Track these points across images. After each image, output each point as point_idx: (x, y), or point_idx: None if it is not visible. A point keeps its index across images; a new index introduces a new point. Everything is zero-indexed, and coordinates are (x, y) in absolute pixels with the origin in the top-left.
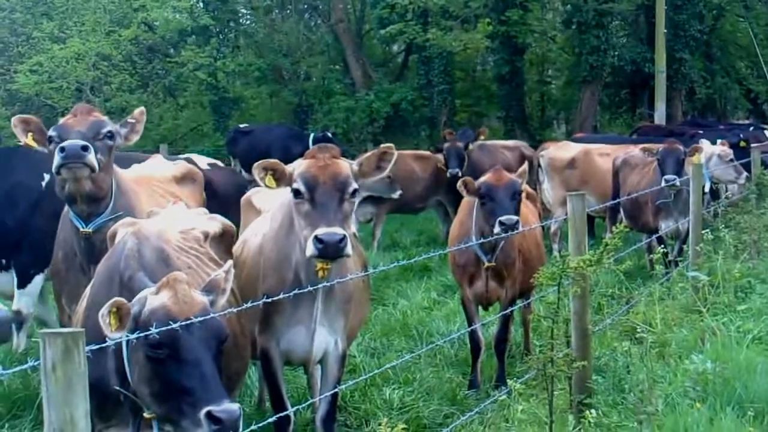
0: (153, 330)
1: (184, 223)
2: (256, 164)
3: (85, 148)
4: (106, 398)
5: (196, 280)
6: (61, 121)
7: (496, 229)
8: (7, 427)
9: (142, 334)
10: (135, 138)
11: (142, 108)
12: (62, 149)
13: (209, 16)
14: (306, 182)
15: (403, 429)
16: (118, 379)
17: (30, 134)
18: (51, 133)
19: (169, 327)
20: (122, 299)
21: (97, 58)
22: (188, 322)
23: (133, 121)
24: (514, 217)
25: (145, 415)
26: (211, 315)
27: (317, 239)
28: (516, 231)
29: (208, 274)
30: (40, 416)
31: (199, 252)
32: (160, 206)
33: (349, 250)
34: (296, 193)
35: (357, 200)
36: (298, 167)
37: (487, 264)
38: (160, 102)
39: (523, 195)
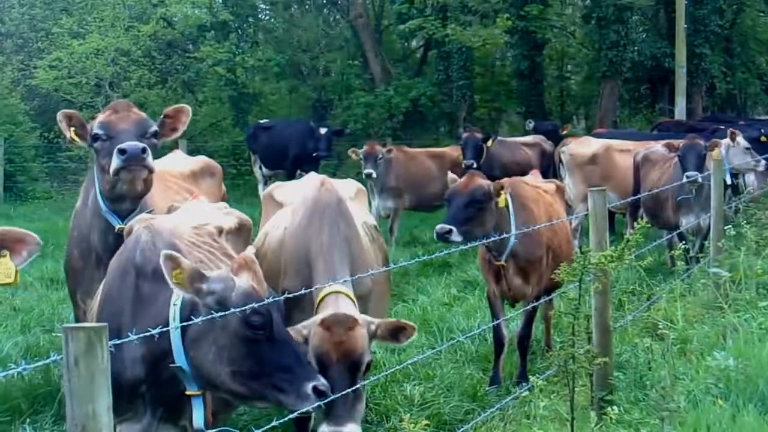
0: (249, 316)
1: (198, 219)
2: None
3: (144, 150)
4: (120, 392)
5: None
6: (102, 117)
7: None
8: (28, 423)
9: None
10: (172, 135)
11: (184, 106)
12: (122, 151)
13: (228, 12)
14: (318, 359)
15: (425, 425)
16: (145, 366)
17: (72, 129)
18: (97, 131)
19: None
20: (178, 255)
21: (116, 54)
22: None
23: (165, 118)
24: (447, 227)
25: (188, 392)
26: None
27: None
28: (456, 241)
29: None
30: (62, 411)
31: (212, 247)
32: (174, 202)
33: None
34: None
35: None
36: (312, 336)
37: (496, 262)
38: (178, 97)
39: (553, 189)
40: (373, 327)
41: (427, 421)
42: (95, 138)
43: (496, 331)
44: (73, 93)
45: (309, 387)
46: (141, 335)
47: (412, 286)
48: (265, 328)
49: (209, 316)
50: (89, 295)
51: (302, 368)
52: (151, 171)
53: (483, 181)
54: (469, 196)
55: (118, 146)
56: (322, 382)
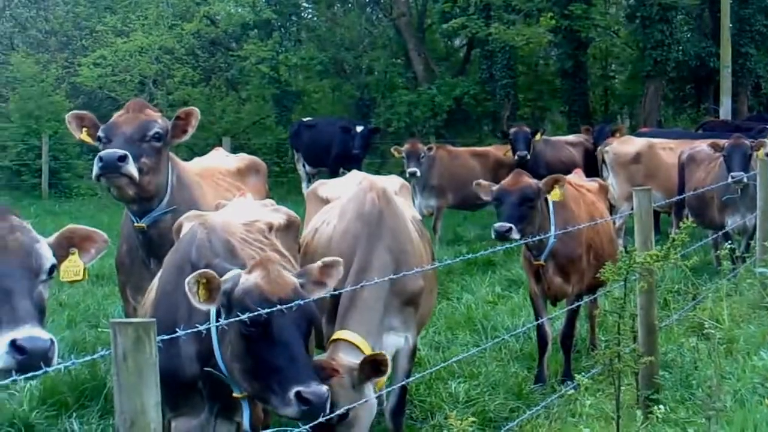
0: (245, 313)
1: (248, 215)
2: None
3: (122, 158)
4: (177, 387)
5: None
6: (113, 118)
7: (492, 234)
8: (75, 417)
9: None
10: (183, 137)
11: (192, 108)
12: (100, 158)
13: (271, 10)
14: None
15: (472, 422)
16: (199, 363)
17: (85, 129)
18: (99, 133)
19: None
20: (211, 271)
21: (159, 52)
22: (283, 306)
23: (176, 119)
24: (506, 225)
25: (234, 394)
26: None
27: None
28: (516, 239)
29: None
30: (108, 406)
31: (263, 243)
32: (224, 199)
33: None
34: None
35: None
36: None
37: (535, 261)
38: (222, 95)
39: (596, 188)
40: (355, 374)
41: (473, 418)
42: (99, 140)
43: (540, 329)
44: (117, 90)
45: (292, 392)
46: (187, 331)
47: (457, 284)
48: (258, 326)
49: (236, 318)
50: (139, 291)
51: (295, 372)
52: (131, 178)
53: (531, 179)
54: (522, 194)
55: (99, 154)
56: (310, 389)
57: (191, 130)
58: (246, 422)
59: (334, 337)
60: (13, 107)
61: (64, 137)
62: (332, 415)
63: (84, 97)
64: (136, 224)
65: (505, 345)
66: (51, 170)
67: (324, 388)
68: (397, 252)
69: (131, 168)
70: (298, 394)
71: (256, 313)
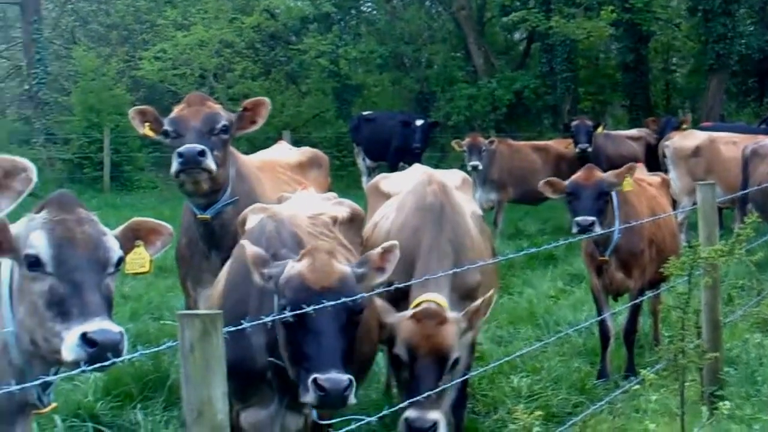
0: (288, 300)
1: (313, 208)
2: None
3: (202, 153)
4: (246, 378)
5: None
6: (175, 111)
7: (573, 229)
8: (139, 408)
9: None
10: (251, 128)
11: (262, 99)
12: (180, 155)
13: (331, 3)
14: (408, 351)
15: (538, 415)
16: (268, 354)
17: (147, 124)
18: (167, 127)
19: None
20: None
21: (219, 45)
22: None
23: (243, 110)
24: (589, 218)
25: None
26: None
27: (407, 423)
28: (597, 233)
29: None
30: (171, 397)
31: (328, 237)
32: (284, 192)
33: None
34: (394, 358)
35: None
36: (402, 330)
37: (599, 258)
38: (282, 89)
39: (658, 182)
40: (463, 325)
41: (540, 411)
42: (166, 134)
43: (602, 324)
44: (178, 84)
45: (310, 379)
46: (253, 323)
47: (518, 278)
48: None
49: (282, 314)
50: (199, 283)
51: (319, 360)
52: (210, 172)
53: (603, 173)
54: (598, 188)
55: (177, 150)
56: (326, 376)
57: (261, 121)
58: (314, 413)
59: (421, 299)
60: (75, 101)
61: (126, 130)
62: (448, 363)
63: (145, 91)
64: (199, 216)
65: (567, 340)
66: (112, 163)
67: (344, 376)
68: (456, 245)
69: (210, 162)
70: (314, 380)
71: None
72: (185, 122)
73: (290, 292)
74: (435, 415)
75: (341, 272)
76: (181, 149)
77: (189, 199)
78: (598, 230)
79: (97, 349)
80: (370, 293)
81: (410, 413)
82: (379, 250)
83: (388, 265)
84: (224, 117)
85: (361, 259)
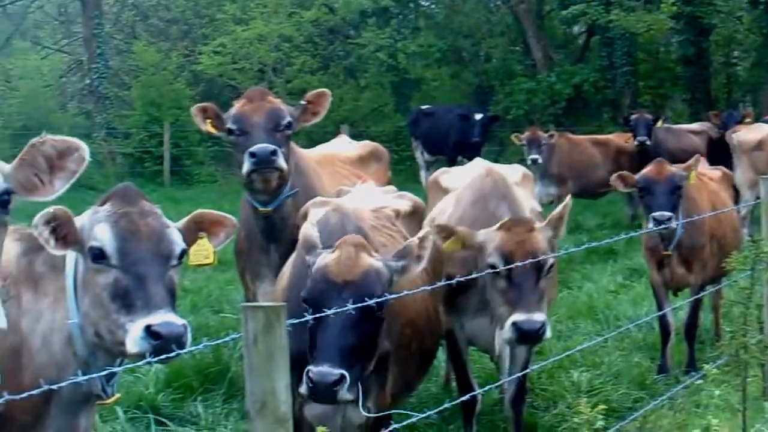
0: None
1: (376, 202)
2: (435, 227)
3: (274, 153)
4: None
5: None
6: (236, 107)
7: (650, 224)
8: (199, 400)
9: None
10: (313, 120)
11: (324, 90)
12: (253, 155)
13: None
14: (503, 259)
15: (602, 409)
16: None
17: (209, 121)
18: (231, 125)
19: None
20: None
21: (278, 40)
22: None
23: (306, 103)
24: (667, 213)
25: None
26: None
27: (516, 327)
28: (672, 226)
29: None
30: (232, 390)
31: (391, 230)
32: (343, 186)
33: (548, 333)
34: (491, 268)
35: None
36: (492, 240)
37: (663, 252)
38: (340, 83)
39: (719, 177)
40: (550, 233)
41: (603, 405)
42: (230, 132)
43: (662, 319)
44: (237, 78)
45: (306, 372)
46: (316, 315)
47: (578, 273)
48: (309, 305)
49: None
50: (257, 277)
51: (318, 352)
52: (282, 171)
53: (673, 167)
54: (671, 182)
55: (249, 149)
56: (317, 369)
57: (323, 112)
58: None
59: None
60: (136, 95)
61: (185, 125)
62: (544, 267)
63: (204, 85)
64: (261, 210)
65: (627, 335)
66: (172, 157)
67: (334, 371)
68: None
69: (282, 161)
70: (307, 372)
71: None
72: (249, 119)
73: (312, 282)
74: (541, 316)
75: (366, 266)
76: (253, 149)
77: (253, 195)
78: (674, 225)
79: (161, 342)
80: (431, 287)
81: (517, 317)
82: (415, 239)
83: (425, 252)
84: (287, 113)
85: (400, 251)
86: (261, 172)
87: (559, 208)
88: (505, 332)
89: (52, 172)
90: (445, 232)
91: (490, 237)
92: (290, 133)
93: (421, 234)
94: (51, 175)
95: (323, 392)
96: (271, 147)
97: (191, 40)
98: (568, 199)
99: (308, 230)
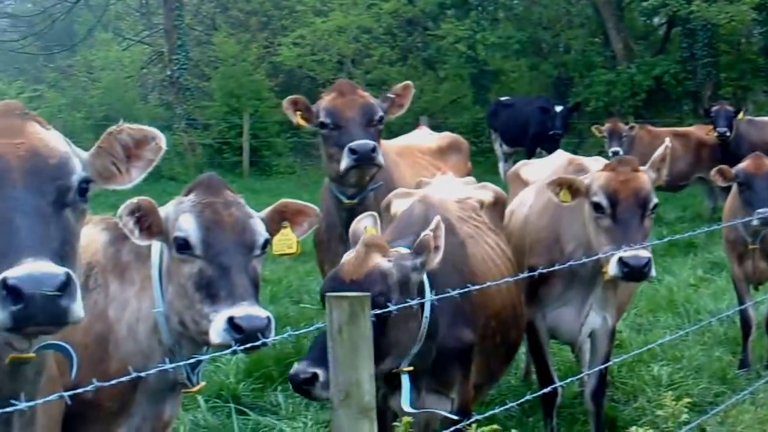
0: None
1: (460, 193)
2: (550, 181)
3: (374, 150)
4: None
5: (477, 249)
6: (327, 101)
7: (754, 221)
8: (279, 390)
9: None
10: (398, 112)
11: (408, 83)
12: (353, 151)
13: None
14: (608, 197)
15: (687, 402)
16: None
17: (299, 113)
18: (324, 119)
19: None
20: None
21: (358, 31)
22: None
23: (393, 96)
24: None
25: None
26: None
27: (622, 262)
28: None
29: (488, 243)
30: None
31: (477, 221)
32: (423, 177)
33: (653, 272)
34: (596, 207)
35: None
36: (597, 180)
37: (751, 246)
38: (419, 75)
39: None
40: (653, 175)
41: (688, 399)
42: (322, 125)
43: (743, 313)
44: (316, 70)
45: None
46: (399, 306)
47: (658, 266)
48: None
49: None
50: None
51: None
52: (380, 167)
53: None
54: None
55: (349, 146)
56: (296, 366)
57: (407, 104)
58: (407, 398)
59: None
60: (216, 86)
61: (265, 116)
62: (648, 206)
63: (283, 77)
64: (346, 201)
65: (708, 329)
66: (251, 148)
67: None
68: None
69: (380, 157)
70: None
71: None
72: (342, 113)
73: (327, 279)
74: (647, 253)
75: (370, 267)
76: (353, 146)
77: (341, 188)
78: None
79: (243, 335)
80: (514, 278)
81: (624, 253)
82: (428, 231)
83: (440, 241)
84: (379, 107)
85: (416, 247)
86: (360, 168)
87: (661, 149)
88: (611, 268)
89: (129, 160)
90: (556, 184)
91: (596, 177)
92: (381, 128)
93: (432, 224)
94: (128, 164)
95: (297, 388)
96: (371, 144)
97: (271, 31)
98: (668, 140)
99: (357, 224)
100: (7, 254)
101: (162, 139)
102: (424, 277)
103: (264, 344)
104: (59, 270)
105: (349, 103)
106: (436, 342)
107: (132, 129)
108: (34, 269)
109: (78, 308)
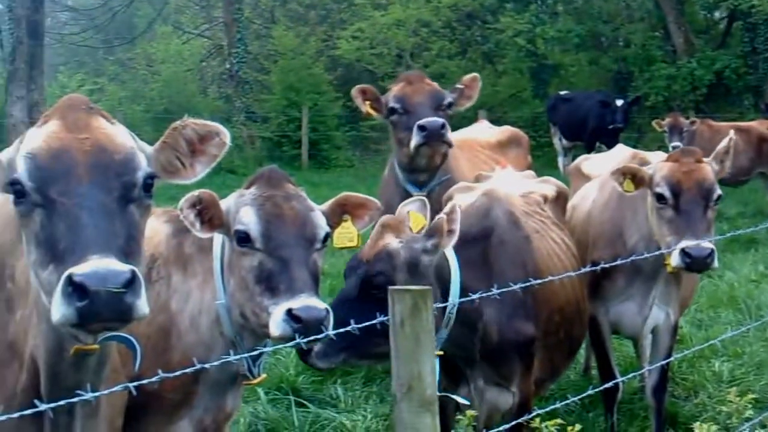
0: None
1: (523, 187)
2: (614, 171)
3: (443, 126)
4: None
5: (542, 244)
6: (397, 90)
7: None
8: (339, 383)
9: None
10: (467, 104)
11: (476, 75)
12: (422, 128)
13: None
14: (671, 188)
15: (752, 398)
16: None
17: (368, 103)
18: (393, 104)
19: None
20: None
21: (416, 25)
22: None
23: (462, 86)
24: None
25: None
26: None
27: (685, 254)
28: None
29: (553, 239)
30: (370, 373)
31: (542, 216)
32: (482, 171)
33: (715, 263)
34: (659, 197)
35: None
36: (660, 170)
37: None
38: (478, 69)
39: None
40: (716, 166)
41: (753, 395)
42: (392, 111)
43: None
44: (375, 63)
45: None
46: (462, 300)
47: (718, 261)
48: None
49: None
50: None
51: None
52: (450, 146)
53: None
54: None
55: (418, 123)
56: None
57: (475, 97)
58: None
59: None
60: (275, 80)
61: (323, 109)
62: (712, 197)
63: (342, 70)
64: (416, 194)
65: None
66: (310, 141)
67: None
68: None
69: (450, 136)
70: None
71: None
72: (411, 98)
73: (350, 259)
74: (709, 244)
75: (379, 248)
76: (423, 122)
77: (412, 175)
78: None
79: (301, 326)
80: (577, 272)
81: (686, 243)
82: (443, 215)
83: (455, 225)
84: (447, 95)
85: (429, 229)
86: (430, 146)
87: (725, 141)
88: (673, 259)
89: (193, 155)
90: (620, 173)
91: (659, 167)
92: (450, 114)
93: (447, 209)
94: (192, 159)
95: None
96: (441, 120)
97: (329, 25)
98: (732, 133)
99: (401, 209)
100: (73, 251)
101: (226, 135)
102: (452, 262)
103: (326, 336)
104: (124, 267)
105: (417, 89)
106: (479, 331)
107: (196, 124)
108: (99, 266)
109: (143, 305)
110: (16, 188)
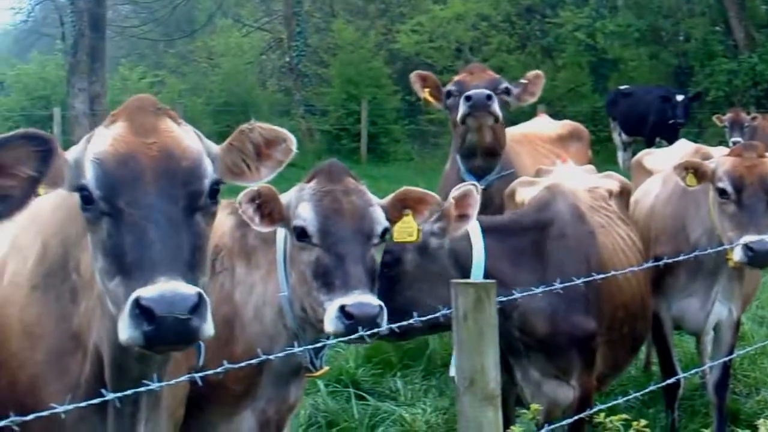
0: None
1: (588, 182)
2: (677, 165)
3: (489, 97)
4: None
5: (608, 239)
6: (457, 77)
7: None
8: (398, 376)
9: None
10: (529, 99)
11: (539, 72)
12: (468, 98)
13: None
14: (733, 182)
15: None
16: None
17: (427, 90)
18: (450, 87)
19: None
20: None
21: (476, 19)
22: None
23: (526, 81)
24: None
25: None
26: None
27: (748, 248)
28: None
29: (619, 234)
30: (430, 366)
31: (608, 211)
32: (543, 165)
33: None
34: (721, 192)
35: None
36: (722, 165)
37: None
38: (537, 63)
39: None
40: None
41: None
42: (448, 95)
43: None
44: (434, 57)
45: None
46: (522, 294)
47: None
48: None
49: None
50: None
51: None
52: (497, 119)
53: None
54: None
55: (465, 94)
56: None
57: (538, 93)
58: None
59: None
60: (334, 73)
61: (383, 102)
62: None
63: (401, 64)
64: None
65: None
66: (369, 135)
67: None
68: None
69: (497, 107)
70: None
71: None
72: (468, 83)
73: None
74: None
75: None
76: (468, 93)
77: (468, 162)
78: None
79: (354, 323)
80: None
81: (749, 238)
82: (451, 201)
83: (470, 210)
84: (506, 81)
85: (437, 215)
86: (475, 116)
87: None
88: (735, 254)
89: (259, 159)
90: (683, 168)
91: (721, 162)
92: (507, 99)
93: (456, 194)
94: (258, 162)
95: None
96: (487, 91)
97: (389, 18)
98: None
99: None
100: (141, 268)
101: (293, 142)
102: (476, 247)
103: (390, 330)
104: (191, 291)
105: (476, 76)
106: (514, 319)
107: (263, 128)
108: (166, 291)
109: (208, 327)
110: (83, 194)
